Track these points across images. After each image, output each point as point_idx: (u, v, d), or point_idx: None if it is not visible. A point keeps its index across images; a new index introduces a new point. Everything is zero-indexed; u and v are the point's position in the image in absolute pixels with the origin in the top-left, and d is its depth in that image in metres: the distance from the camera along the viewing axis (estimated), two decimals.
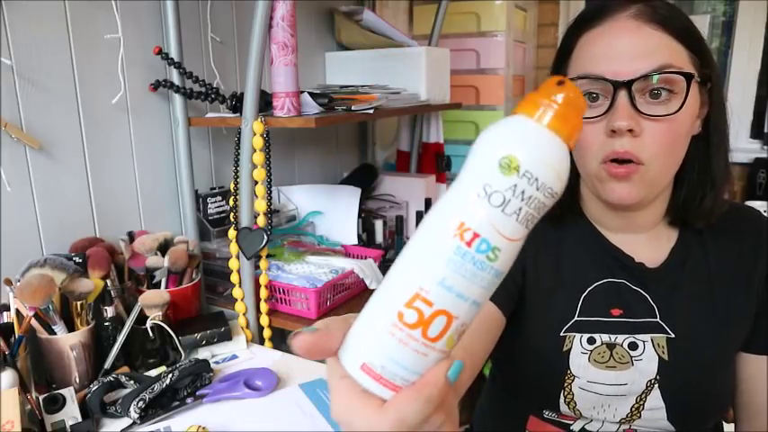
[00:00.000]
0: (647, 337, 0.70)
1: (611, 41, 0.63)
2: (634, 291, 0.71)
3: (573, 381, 0.71)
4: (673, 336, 0.69)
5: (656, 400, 0.69)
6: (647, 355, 0.69)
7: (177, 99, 1.18)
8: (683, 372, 0.69)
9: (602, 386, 0.71)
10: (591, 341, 0.71)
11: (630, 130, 0.61)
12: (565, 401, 0.73)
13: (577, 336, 0.71)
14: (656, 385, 0.69)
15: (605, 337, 0.71)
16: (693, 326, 0.70)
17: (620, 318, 0.71)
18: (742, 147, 2.15)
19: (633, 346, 0.70)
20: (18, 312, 0.85)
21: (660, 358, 0.69)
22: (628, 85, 0.61)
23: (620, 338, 0.70)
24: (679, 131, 0.63)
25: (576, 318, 0.72)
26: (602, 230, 0.75)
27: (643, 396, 0.70)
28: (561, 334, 0.72)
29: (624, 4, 0.63)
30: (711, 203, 0.69)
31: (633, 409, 0.71)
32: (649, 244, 0.73)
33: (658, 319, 0.70)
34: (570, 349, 0.71)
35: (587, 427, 0.74)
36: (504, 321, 0.73)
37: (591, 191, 0.72)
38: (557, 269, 0.74)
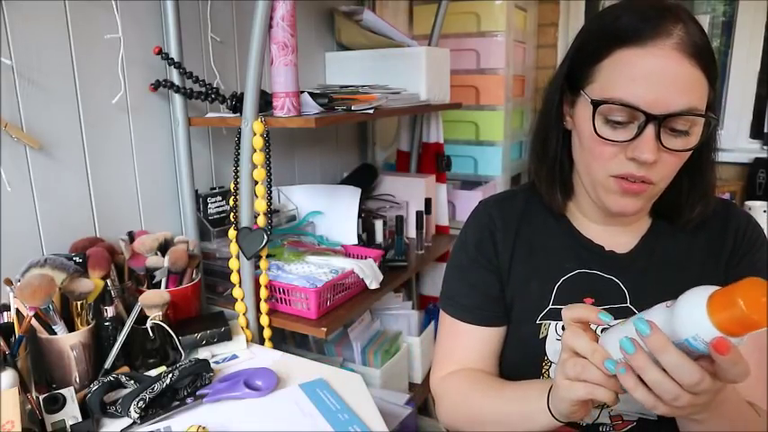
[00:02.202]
0: (617, 322, 0.72)
1: (651, 70, 0.61)
2: (606, 279, 0.75)
3: (550, 367, 0.76)
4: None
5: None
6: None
7: (177, 99, 1.18)
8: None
9: None
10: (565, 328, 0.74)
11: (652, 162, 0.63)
12: None
13: (552, 323, 0.75)
14: None
15: None
16: None
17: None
18: (742, 147, 2.15)
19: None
20: (18, 312, 0.85)
21: None
22: (660, 119, 0.61)
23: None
24: (686, 158, 0.66)
25: (550, 306, 0.76)
26: (573, 222, 0.79)
27: None
28: (537, 322, 0.76)
29: (668, 27, 0.61)
30: (702, 210, 0.73)
31: None
32: (621, 232, 0.77)
33: (628, 304, 0.74)
34: (546, 336, 0.76)
35: None
36: (503, 328, 0.80)
37: (590, 194, 0.74)
38: (530, 260, 0.79)
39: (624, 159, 0.65)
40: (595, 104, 0.65)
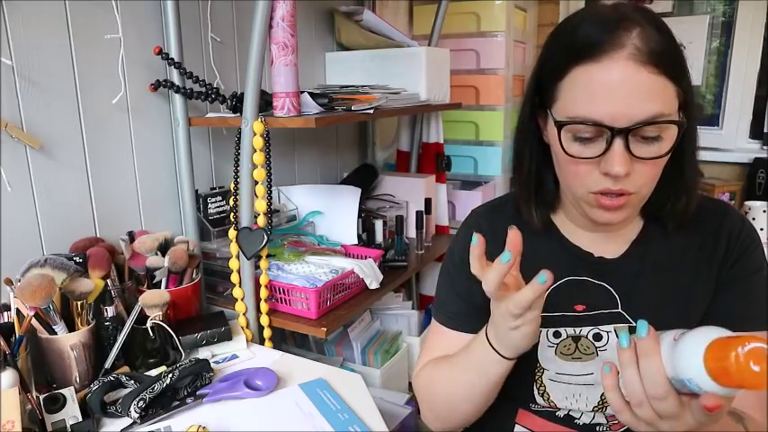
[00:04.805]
0: (610, 327, 0.74)
1: (609, 85, 0.60)
2: (597, 285, 0.75)
3: (543, 373, 0.76)
4: (634, 324, 0.72)
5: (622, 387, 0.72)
6: (611, 345, 0.73)
7: (177, 99, 1.18)
8: None
9: (569, 377, 0.75)
10: (557, 335, 0.75)
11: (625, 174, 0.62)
12: (539, 393, 0.77)
13: (543, 330, 0.75)
14: None
15: (570, 331, 0.75)
16: (654, 313, 0.71)
17: (584, 312, 0.75)
18: (741, 147, 2.16)
19: (597, 337, 0.74)
20: (19, 312, 0.85)
21: None
22: (625, 131, 0.61)
23: (584, 331, 0.74)
24: (664, 162, 0.65)
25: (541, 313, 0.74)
26: (561, 229, 0.79)
27: None
28: None
29: (621, 38, 0.60)
30: (685, 205, 0.72)
31: (603, 397, 0.74)
32: (611, 238, 0.77)
33: (620, 309, 0.74)
34: (538, 343, 0.75)
35: (571, 414, 0.78)
36: None
37: (574, 207, 0.73)
38: (520, 268, 0.77)
39: (599, 175, 0.64)
40: (559, 126, 0.64)
